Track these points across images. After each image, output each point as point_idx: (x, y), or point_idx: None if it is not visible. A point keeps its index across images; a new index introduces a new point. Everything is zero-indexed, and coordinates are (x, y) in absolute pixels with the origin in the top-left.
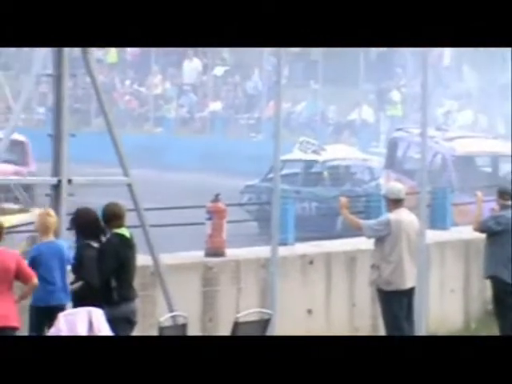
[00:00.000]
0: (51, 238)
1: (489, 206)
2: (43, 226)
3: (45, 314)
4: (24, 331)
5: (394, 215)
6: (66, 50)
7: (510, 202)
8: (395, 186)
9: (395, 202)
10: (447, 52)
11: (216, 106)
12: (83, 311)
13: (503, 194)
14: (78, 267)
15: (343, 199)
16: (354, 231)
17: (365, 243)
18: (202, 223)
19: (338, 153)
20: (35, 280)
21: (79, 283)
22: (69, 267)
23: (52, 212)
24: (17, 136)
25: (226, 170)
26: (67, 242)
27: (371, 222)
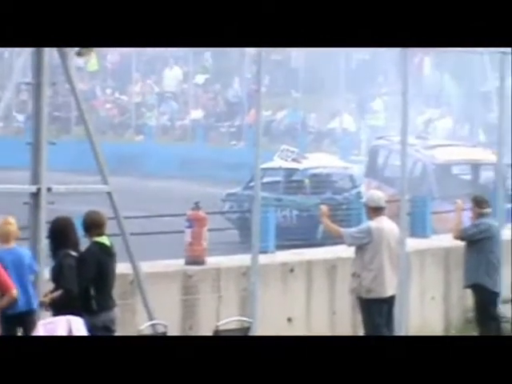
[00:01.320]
0: (12, 245)
1: (469, 214)
2: (3, 234)
3: (12, 320)
4: None
5: (374, 223)
6: (46, 58)
7: (487, 210)
8: (375, 193)
9: (376, 210)
10: (427, 60)
11: (197, 113)
12: (63, 320)
13: (480, 203)
14: (58, 276)
15: (324, 207)
16: (334, 239)
17: (345, 251)
18: (182, 231)
19: (318, 161)
20: (14, 291)
21: (58, 292)
22: (46, 275)
23: (12, 220)
24: None
25: (207, 177)
26: (28, 250)
27: (352, 230)
